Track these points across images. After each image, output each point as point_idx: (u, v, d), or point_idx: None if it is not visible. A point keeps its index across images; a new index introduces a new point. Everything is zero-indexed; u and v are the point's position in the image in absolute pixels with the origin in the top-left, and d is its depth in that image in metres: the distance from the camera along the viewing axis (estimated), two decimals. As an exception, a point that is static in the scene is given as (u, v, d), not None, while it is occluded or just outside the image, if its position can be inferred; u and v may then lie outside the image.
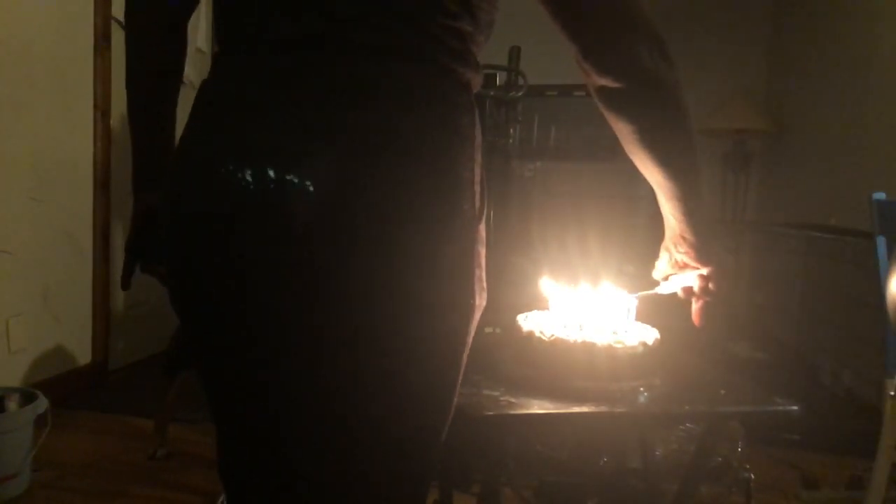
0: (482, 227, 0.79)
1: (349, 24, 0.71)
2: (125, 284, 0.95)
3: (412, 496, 0.83)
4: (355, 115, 0.70)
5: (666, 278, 1.01)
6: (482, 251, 0.79)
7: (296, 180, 0.69)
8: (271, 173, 0.70)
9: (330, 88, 0.71)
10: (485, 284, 0.80)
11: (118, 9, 2.90)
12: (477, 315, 0.79)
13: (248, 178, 0.70)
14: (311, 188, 0.70)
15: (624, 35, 0.79)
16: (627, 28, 0.79)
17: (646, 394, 1.01)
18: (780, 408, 1.01)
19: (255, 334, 0.76)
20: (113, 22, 2.90)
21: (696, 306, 0.98)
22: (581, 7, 0.78)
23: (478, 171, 0.78)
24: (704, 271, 0.95)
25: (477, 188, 0.77)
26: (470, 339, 0.80)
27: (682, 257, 0.96)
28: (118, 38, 2.92)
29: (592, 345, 1.01)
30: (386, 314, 0.73)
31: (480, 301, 0.79)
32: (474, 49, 0.78)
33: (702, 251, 0.94)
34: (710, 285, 0.96)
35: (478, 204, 0.77)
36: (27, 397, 2.07)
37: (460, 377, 0.81)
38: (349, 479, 0.79)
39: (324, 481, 0.80)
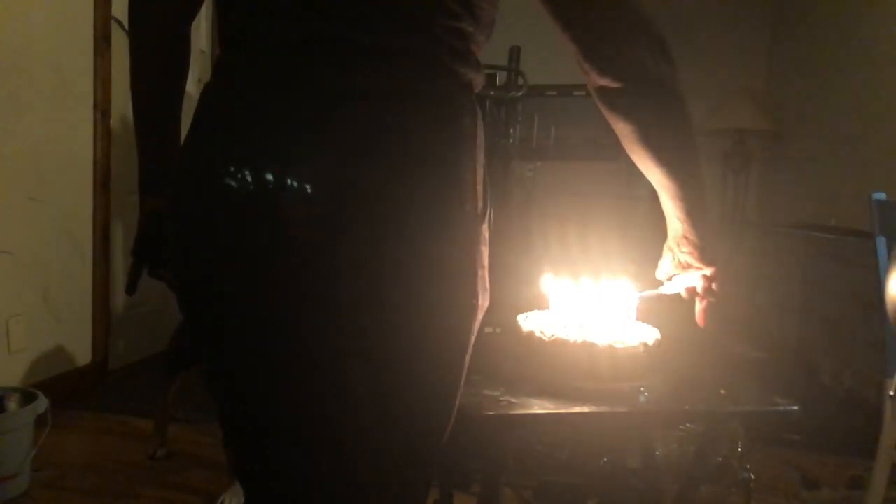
0: (485, 228, 0.79)
1: (350, 26, 0.71)
2: (131, 289, 0.94)
3: (413, 497, 0.83)
4: (356, 117, 0.70)
5: (669, 278, 1.01)
6: (485, 252, 0.79)
7: (296, 183, 0.69)
8: (271, 176, 0.70)
9: (331, 90, 0.71)
10: (487, 285, 0.80)
11: (118, 9, 2.90)
12: (479, 316, 0.79)
13: (249, 180, 0.70)
14: (312, 190, 0.69)
15: (625, 35, 0.79)
16: (628, 28, 0.79)
17: (646, 394, 1.01)
18: (780, 408, 1.01)
19: (259, 336, 0.76)
20: (113, 22, 2.90)
21: (699, 306, 0.98)
22: (582, 7, 0.78)
23: (480, 171, 0.78)
24: (708, 271, 0.95)
25: (479, 188, 0.77)
26: (472, 340, 0.80)
27: (685, 257, 0.95)
28: (118, 38, 2.91)
29: (592, 345, 1.01)
30: (389, 315, 0.73)
31: (483, 301, 0.79)
32: (475, 49, 0.78)
33: (705, 251, 0.94)
34: (714, 286, 0.96)
35: (480, 204, 0.77)
36: (27, 397, 2.07)
37: (462, 379, 0.81)
38: (352, 480, 0.79)
39: (326, 482, 0.80)
